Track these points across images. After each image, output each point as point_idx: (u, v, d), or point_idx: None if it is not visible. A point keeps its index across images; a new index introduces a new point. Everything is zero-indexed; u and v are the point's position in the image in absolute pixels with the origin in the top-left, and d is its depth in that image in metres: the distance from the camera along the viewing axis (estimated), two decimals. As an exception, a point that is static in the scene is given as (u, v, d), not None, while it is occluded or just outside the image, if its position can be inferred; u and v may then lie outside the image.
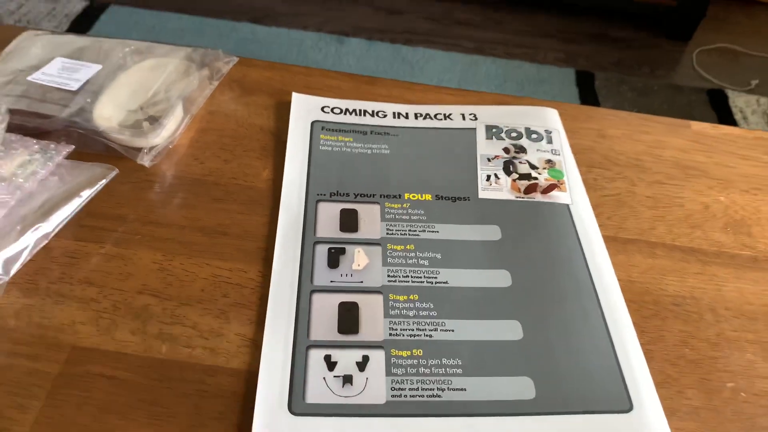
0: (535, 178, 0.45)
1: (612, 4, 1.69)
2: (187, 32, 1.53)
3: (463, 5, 1.78)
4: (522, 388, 0.34)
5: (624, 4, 1.68)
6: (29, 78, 0.46)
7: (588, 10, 1.75)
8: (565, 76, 1.55)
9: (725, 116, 1.45)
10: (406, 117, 0.50)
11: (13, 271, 0.35)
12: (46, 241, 0.37)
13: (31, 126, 0.43)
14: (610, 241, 0.43)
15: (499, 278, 0.39)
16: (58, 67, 0.47)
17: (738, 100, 1.50)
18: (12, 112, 0.42)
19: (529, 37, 1.69)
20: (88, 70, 0.47)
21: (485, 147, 0.48)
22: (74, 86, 0.46)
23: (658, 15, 1.69)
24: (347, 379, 0.33)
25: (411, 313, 0.37)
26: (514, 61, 1.59)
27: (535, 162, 0.46)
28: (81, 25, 1.52)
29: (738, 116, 1.46)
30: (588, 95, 1.49)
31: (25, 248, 0.36)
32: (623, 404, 0.34)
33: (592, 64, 1.62)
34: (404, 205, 0.43)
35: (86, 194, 0.39)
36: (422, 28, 1.69)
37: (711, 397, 0.35)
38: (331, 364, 0.34)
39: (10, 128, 0.42)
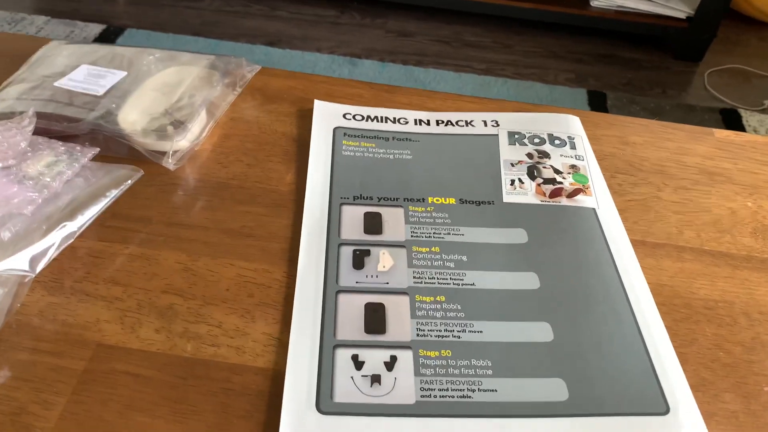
0: (560, 183, 0.45)
1: (621, 26, 1.70)
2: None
3: (472, 27, 1.80)
4: (554, 389, 0.33)
5: (633, 26, 1.69)
6: (56, 84, 0.46)
7: (597, 31, 1.76)
8: (577, 95, 1.56)
9: (739, 135, 1.45)
10: (428, 124, 0.50)
11: (39, 268, 0.35)
12: (72, 240, 0.37)
13: (57, 129, 0.43)
14: (637, 245, 0.42)
15: (527, 280, 0.38)
16: (84, 73, 0.48)
17: (751, 120, 1.50)
18: (39, 115, 0.43)
19: (538, 59, 1.70)
20: (114, 76, 0.48)
21: (508, 153, 0.47)
22: (100, 91, 0.46)
23: (668, 36, 1.70)
24: (375, 379, 0.33)
25: (438, 314, 0.36)
26: (525, 81, 1.60)
27: (559, 167, 0.46)
28: (98, 47, 1.55)
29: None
30: (600, 115, 1.49)
31: (51, 246, 0.35)
32: (659, 407, 0.33)
33: (603, 84, 1.63)
34: (428, 209, 0.43)
35: (112, 194, 0.39)
36: (432, 50, 1.71)
37: (749, 401, 0.34)
38: (358, 364, 0.33)
39: (37, 132, 0.42)
